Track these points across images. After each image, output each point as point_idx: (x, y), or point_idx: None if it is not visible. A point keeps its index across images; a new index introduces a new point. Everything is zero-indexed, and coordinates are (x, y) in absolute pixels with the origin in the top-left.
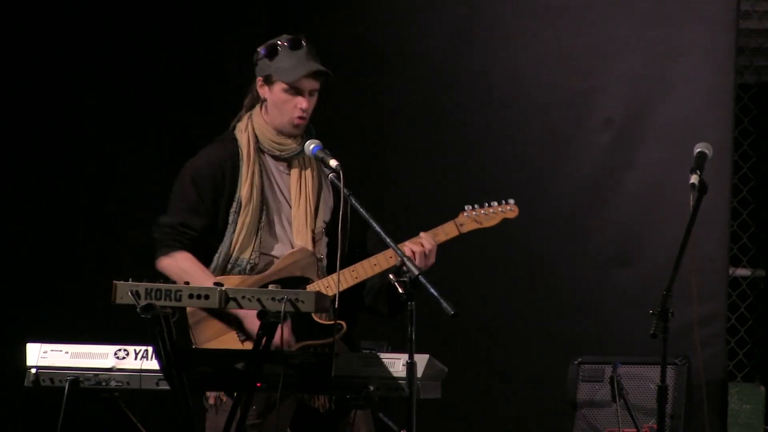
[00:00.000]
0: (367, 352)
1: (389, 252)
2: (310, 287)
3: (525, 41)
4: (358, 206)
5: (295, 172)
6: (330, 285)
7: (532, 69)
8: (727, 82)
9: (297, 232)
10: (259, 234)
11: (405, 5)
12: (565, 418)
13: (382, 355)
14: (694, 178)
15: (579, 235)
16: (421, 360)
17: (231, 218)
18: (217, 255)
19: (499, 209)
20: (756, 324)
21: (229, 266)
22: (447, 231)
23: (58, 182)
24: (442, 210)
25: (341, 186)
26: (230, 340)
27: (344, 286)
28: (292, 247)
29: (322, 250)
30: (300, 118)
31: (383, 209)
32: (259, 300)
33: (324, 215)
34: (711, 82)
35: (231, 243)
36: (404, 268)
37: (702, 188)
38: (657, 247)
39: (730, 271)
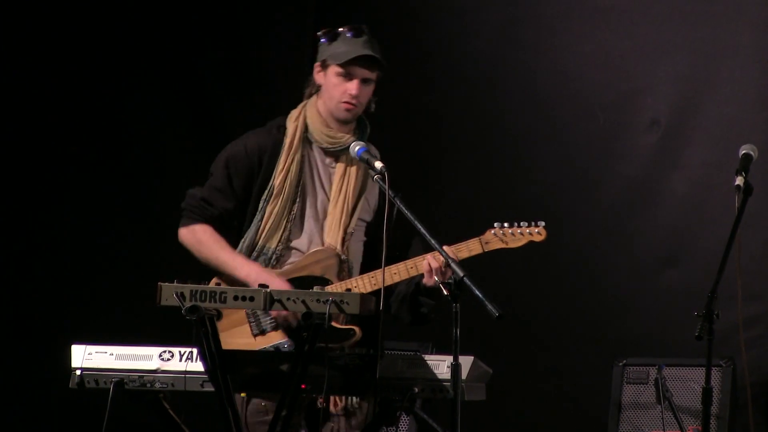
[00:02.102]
0: (412, 353)
1: (411, 262)
2: (336, 285)
3: (571, 42)
4: (405, 209)
5: (340, 167)
6: (357, 286)
7: (578, 70)
8: None
9: (329, 229)
10: (287, 226)
11: (451, 6)
12: (609, 420)
13: (427, 357)
14: (739, 180)
15: (625, 235)
16: (466, 362)
17: (261, 205)
18: (242, 240)
19: (527, 231)
20: None
21: (255, 254)
22: (471, 248)
23: (102, 181)
24: (486, 214)
25: (386, 188)
26: (242, 333)
27: (368, 288)
28: (322, 244)
29: (353, 251)
30: (350, 103)
31: (428, 212)
32: (303, 302)
33: (363, 215)
34: (757, 83)
35: (257, 230)
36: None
37: (747, 190)
38: (703, 248)
39: None
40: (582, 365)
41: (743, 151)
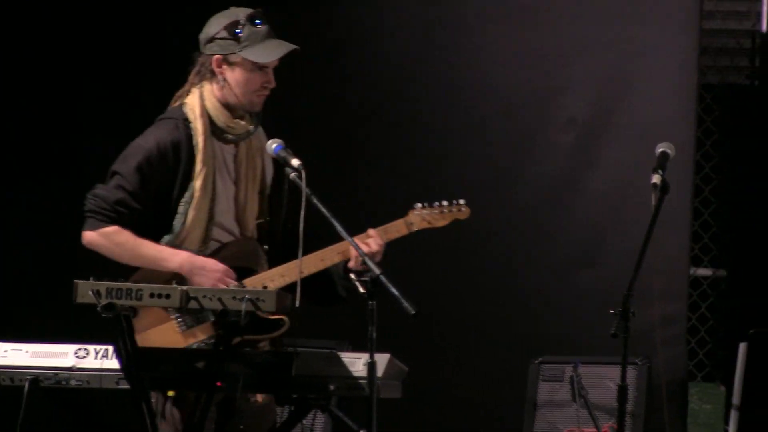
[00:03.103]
0: (327, 351)
1: (337, 247)
2: (252, 279)
3: (490, 41)
4: (320, 205)
5: (242, 156)
6: (274, 278)
7: (497, 68)
8: (690, 82)
9: (243, 219)
10: (209, 226)
11: (372, 3)
12: (525, 418)
13: (343, 355)
14: (656, 178)
15: (542, 234)
16: (382, 359)
17: (181, 209)
18: (162, 243)
19: (451, 209)
20: (717, 324)
21: None
22: (397, 229)
23: (16, 177)
24: (405, 209)
25: (303, 186)
26: (169, 330)
27: (288, 280)
28: (240, 236)
29: (265, 240)
30: (264, 94)
31: (349, 212)
32: (220, 299)
33: (267, 203)
34: (674, 82)
35: (178, 233)
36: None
37: (664, 188)
38: (619, 247)
39: (691, 271)
40: (498, 363)
41: (660, 150)
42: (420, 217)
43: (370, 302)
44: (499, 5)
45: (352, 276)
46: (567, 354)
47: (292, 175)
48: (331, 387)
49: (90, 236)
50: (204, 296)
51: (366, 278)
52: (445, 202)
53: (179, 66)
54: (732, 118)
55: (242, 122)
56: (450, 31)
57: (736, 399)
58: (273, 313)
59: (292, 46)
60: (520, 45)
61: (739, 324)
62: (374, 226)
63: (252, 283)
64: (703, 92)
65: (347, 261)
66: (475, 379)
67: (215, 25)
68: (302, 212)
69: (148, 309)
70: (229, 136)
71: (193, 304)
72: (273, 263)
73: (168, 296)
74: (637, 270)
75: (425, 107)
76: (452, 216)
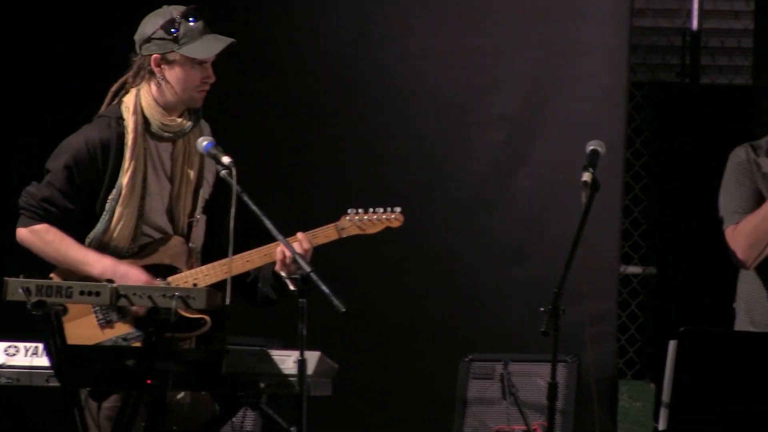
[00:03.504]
0: (258, 348)
1: (264, 249)
2: (176, 277)
3: (420, 39)
4: (251, 203)
5: (179, 154)
6: (198, 277)
7: (428, 66)
8: (621, 79)
9: (175, 217)
10: (138, 224)
11: (300, 1)
12: (455, 416)
13: (273, 352)
14: (586, 176)
15: (473, 232)
16: (312, 357)
17: (108, 206)
18: (88, 239)
19: (383, 217)
20: (646, 322)
21: (105, 252)
22: (327, 234)
23: None
24: (338, 209)
25: (233, 183)
26: (88, 324)
27: (213, 279)
28: (170, 233)
29: (197, 237)
30: (204, 90)
31: (281, 208)
32: (150, 297)
33: (203, 201)
34: (604, 80)
35: (105, 230)
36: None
37: (594, 186)
38: (550, 244)
39: (621, 269)
40: (429, 361)
41: (591, 147)
42: (352, 222)
43: (301, 300)
44: (431, 3)
45: (283, 274)
46: (497, 352)
47: (223, 172)
48: (262, 385)
49: (21, 233)
50: (134, 294)
51: (297, 276)
52: (380, 209)
53: (105, 70)
54: (662, 116)
55: (178, 119)
56: (381, 28)
57: (665, 397)
58: (201, 311)
59: (229, 40)
60: (452, 43)
61: (669, 321)
62: (304, 225)
63: (176, 281)
64: (634, 90)
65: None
66: (407, 377)
67: (150, 25)
68: (233, 210)
69: (71, 306)
70: (165, 134)
71: (122, 302)
72: (207, 261)
73: (98, 294)
74: (567, 268)
75: (356, 105)
76: (386, 224)
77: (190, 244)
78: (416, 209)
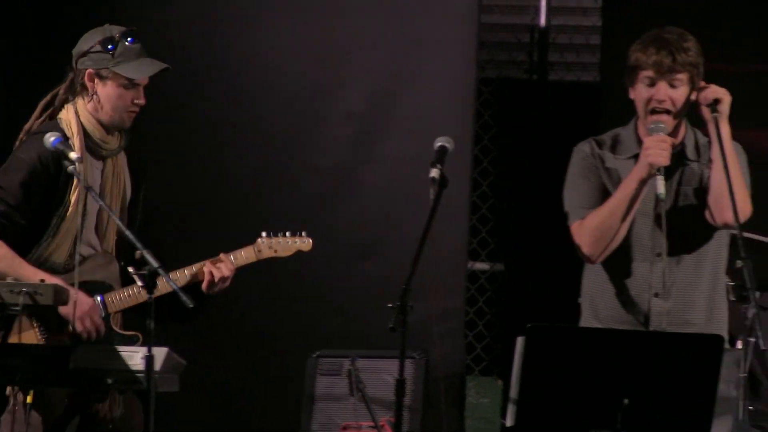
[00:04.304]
0: (105, 345)
1: (190, 268)
2: (110, 295)
3: (268, 33)
4: (101, 202)
5: (108, 170)
6: (131, 293)
7: (275, 62)
8: (469, 76)
9: (103, 234)
10: (75, 241)
11: None
12: (302, 412)
13: (121, 348)
14: (434, 172)
15: (320, 228)
16: (160, 353)
17: (54, 221)
18: (30, 254)
19: (295, 240)
20: (494, 318)
21: (42, 267)
22: (246, 256)
23: None
24: (179, 201)
25: (81, 178)
26: (31, 337)
27: (144, 297)
28: (99, 250)
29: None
30: (133, 111)
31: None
32: None
33: (128, 217)
34: (453, 76)
35: (48, 246)
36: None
37: (442, 182)
38: (398, 241)
39: (469, 265)
40: (278, 357)
41: (439, 144)
42: (266, 245)
43: (149, 295)
44: None
45: (130, 269)
46: (345, 348)
47: (70, 168)
48: (109, 380)
49: None
50: None
51: (144, 272)
52: (288, 233)
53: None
54: (510, 112)
55: (115, 139)
56: (229, 22)
57: (513, 393)
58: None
59: (163, 65)
60: (299, 38)
61: (517, 318)
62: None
63: (110, 297)
64: (482, 86)
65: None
66: (255, 373)
67: (89, 41)
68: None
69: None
70: (103, 152)
71: None
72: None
73: None
74: (415, 264)
75: (206, 101)
76: (296, 247)
77: (121, 263)
78: (264, 205)
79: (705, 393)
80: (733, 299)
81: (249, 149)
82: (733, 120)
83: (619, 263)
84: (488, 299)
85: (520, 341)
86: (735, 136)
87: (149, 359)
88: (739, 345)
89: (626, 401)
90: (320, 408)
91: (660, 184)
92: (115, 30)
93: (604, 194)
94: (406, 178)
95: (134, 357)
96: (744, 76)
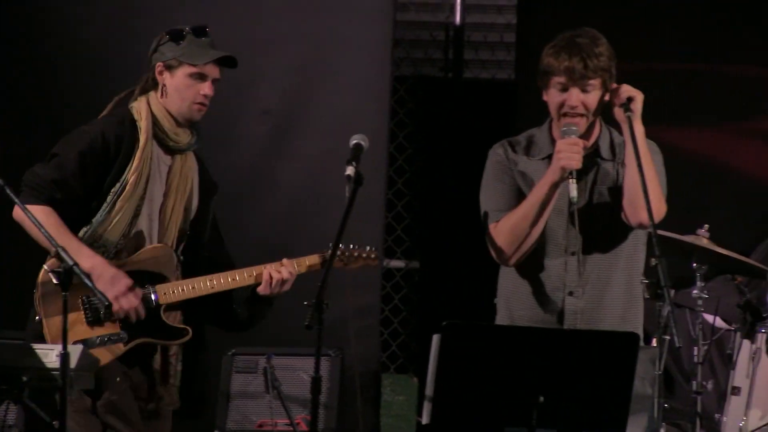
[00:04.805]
0: (20, 342)
1: (254, 269)
2: (163, 286)
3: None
4: (13, 196)
5: (176, 167)
6: (185, 288)
7: None
8: (384, 73)
9: (164, 228)
10: (133, 221)
11: None
12: (218, 410)
13: (36, 346)
14: (350, 170)
15: (236, 226)
16: (75, 351)
17: (110, 198)
18: (85, 229)
19: (363, 255)
20: (409, 316)
21: (95, 244)
22: (311, 263)
23: None
24: None
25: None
26: (77, 319)
27: (198, 293)
28: (158, 241)
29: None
30: (202, 104)
31: None
32: None
33: (191, 215)
34: (368, 74)
35: (103, 222)
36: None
37: (358, 180)
38: (314, 238)
39: (385, 263)
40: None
41: (354, 141)
42: (337, 257)
43: (63, 293)
44: None
45: (45, 267)
46: (261, 346)
47: None
48: (24, 378)
49: (20, 211)
50: None
51: (59, 270)
52: (358, 245)
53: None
54: (425, 110)
55: (186, 133)
56: (143, 20)
57: (429, 390)
58: (194, 316)
59: (229, 54)
60: (214, 35)
61: (432, 315)
62: None
63: (162, 289)
64: (397, 84)
65: (257, 285)
66: None
67: (161, 37)
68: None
69: (56, 297)
70: (171, 144)
71: None
72: (186, 276)
73: None
74: (330, 262)
75: (74, 97)
76: (364, 261)
77: (180, 257)
78: None
79: (620, 391)
80: (648, 297)
81: None
82: (647, 119)
83: (534, 262)
84: (403, 297)
85: (435, 339)
86: (650, 135)
87: (64, 357)
88: (654, 343)
89: (541, 399)
90: (236, 406)
91: (572, 188)
92: (187, 26)
93: (519, 196)
94: (322, 175)
95: (49, 355)
96: (658, 75)
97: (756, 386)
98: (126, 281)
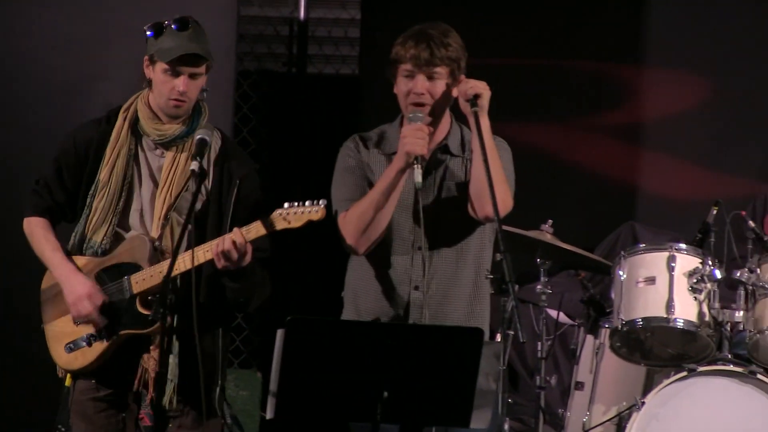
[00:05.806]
0: None
1: (208, 245)
2: (136, 275)
3: (25, 24)
4: None
5: (169, 157)
6: (154, 273)
7: (36, 53)
8: (228, 68)
9: (151, 218)
10: (112, 219)
11: None
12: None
13: None
14: (194, 165)
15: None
16: None
17: (88, 200)
18: (73, 234)
19: (307, 210)
20: (253, 311)
21: (84, 246)
22: (257, 229)
23: None
24: None
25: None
26: (68, 321)
27: (188, 266)
28: (143, 232)
29: (174, 237)
30: (177, 100)
31: None
32: None
33: (185, 209)
34: (212, 69)
35: (85, 224)
36: None
37: (202, 174)
38: None
39: None
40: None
41: (198, 136)
42: (280, 216)
43: None
44: None
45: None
46: None
47: None
48: None
49: (23, 222)
50: None
51: None
52: (305, 203)
53: None
54: (269, 105)
55: (166, 125)
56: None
57: (273, 385)
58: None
59: (195, 50)
60: (57, 29)
61: (276, 311)
62: None
63: (136, 278)
64: (241, 79)
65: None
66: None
67: (146, 28)
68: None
69: (58, 300)
70: (155, 137)
71: None
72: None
73: None
74: (174, 256)
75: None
76: (307, 217)
77: (157, 243)
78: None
79: (464, 385)
80: (493, 292)
81: (7, 146)
82: (494, 114)
83: (381, 257)
84: None
85: (279, 334)
86: (497, 130)
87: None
88: (499, 338)
89: (386, 393)
90: None
91: (417, 173)
92: (173, 19)
93: (369, 188)
94: None
95: None
96: (499, 70)
97: (599, 381)
98: (83, 288)
